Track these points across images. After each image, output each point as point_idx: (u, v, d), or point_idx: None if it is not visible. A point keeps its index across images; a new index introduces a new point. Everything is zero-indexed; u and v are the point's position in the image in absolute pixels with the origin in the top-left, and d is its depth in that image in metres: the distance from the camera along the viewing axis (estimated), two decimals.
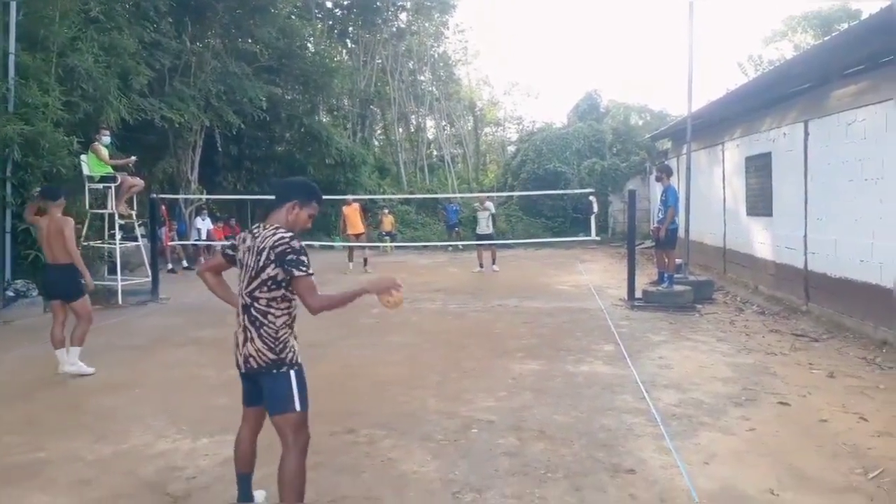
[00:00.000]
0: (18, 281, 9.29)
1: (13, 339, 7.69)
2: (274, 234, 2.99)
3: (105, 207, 10.60)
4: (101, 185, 10.45)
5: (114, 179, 10.40)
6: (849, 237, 7.78)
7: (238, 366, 3.09)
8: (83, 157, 10.29)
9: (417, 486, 3.69)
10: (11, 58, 9.60)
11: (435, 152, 33.28)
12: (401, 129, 31.42)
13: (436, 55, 32.62)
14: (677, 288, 9.63)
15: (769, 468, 3.89)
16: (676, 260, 10.32)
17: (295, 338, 3.12)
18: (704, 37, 47.83)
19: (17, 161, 9.43)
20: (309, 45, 22.49)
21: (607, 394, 5.43)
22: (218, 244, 16.64)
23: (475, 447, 4.29)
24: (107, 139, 10.48)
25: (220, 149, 18.59)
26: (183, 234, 16.19)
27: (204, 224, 16.58)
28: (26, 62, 9.91)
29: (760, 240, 10.72)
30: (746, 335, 7.64)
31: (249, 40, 18.56)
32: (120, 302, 10.10)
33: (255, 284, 3.00)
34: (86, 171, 10.29)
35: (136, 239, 11.35)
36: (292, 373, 3.04)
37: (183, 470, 3.95)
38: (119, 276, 10.33)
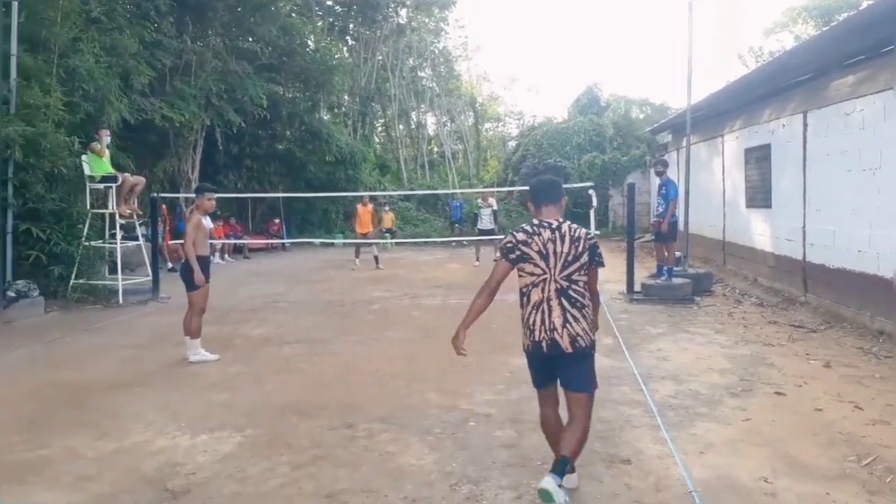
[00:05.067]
0: (20, 281, 9.32)
1: (15, 339, 7.74)
2: (579, 228, 3.42)
3: (106, 207, 10.65)
4: (101, 185, 10.49)
5: (114, 179, 10.45)
6: (847, 228, 7.79)
7: (544, 345, 3.30)
8: (84, 157, 10.34)
9: (415, 479, 3.73)
10: (13, 59, 9.64)
11: (436, 148, 33.31)
12: (401, 126, 31.44)
13: (436, 51, 32.65)
14: (676, 281, 9.65)
15: (764, 457, 3.92)
16: (676, 253, 10.34)
17: None
18: (705, 29, 47.68)
19: (18, 162, 9.48)
20: (309, 42, 22.49)
21: (605, 386, 5.42)
22: (219, 242, 16.72)
23: (473, 440, 4.33)
24: (107, 139, 10.53)
25: (220, 147, 18.60)
26: (182, 233, 16.26)
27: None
28: (28, 63, 9.95)
29: (759, 232, 10.73)
30: (744, 327, 7.66)
31: (250, 39, 18.60)
32: (121, 301, 10.15)
33: (572, 269, 3.32)
34: (87, 171, 10.34)
35: (136, 238, 11.39)
36: (595, 355, 3.42)
37: (183, 466, 3.99)
38: (120, 276, 10.38)
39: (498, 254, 3.50)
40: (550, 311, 3.31)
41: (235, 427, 4.63)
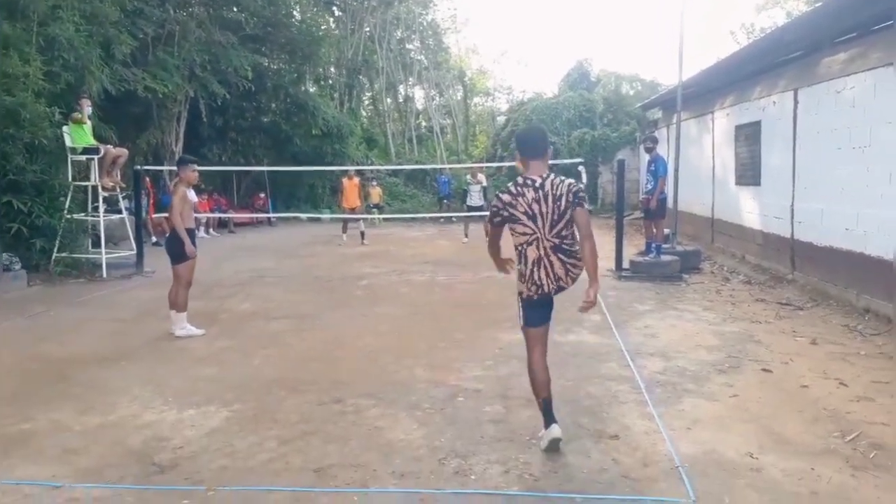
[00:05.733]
0: (1, 254, 9.18)
1: None
2: (563, 181, 3.63)
3: (88, 179, 10.47)
4: (83, 157, 10.30)
5: (96, 151, 10.26)
6: (835, 206, 7.82)
7: (553, 293, 3.68)
8: (65, 128, 10.14)
9: (404, 454, 3.72)
10: None
11: (424, 123, 33.00)
12: (389, 100, 31.10)
13: (424, 23, 32.15)
14: (664, 258, 9.67)
15: (750, 433, 3.95)
16: (665, 230, 10.35)
17: None
18: (697, 4, 47.36)
19: None
20: (295, 13, 22.09)
21: (593, 362, 5.48)
22: (203, 216, 16.53)
23: (462, 415, 4.33)
24: (88, 109, 10.32)
25: (204, 120, 18.34)
26: (166, 206, 16.07)
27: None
28: (6, 31, 9.70)
29: (748, 209, 10.76)
30: (732, 304, 7.70)
31: (234, 9, 18.22)
32: (105, 275, 10.03)
33: (560, 226, 3.59)
34: (68, 142, 10.14)
35: (120, 212, 11.24)
36: None
37: (169, 440, 3.96)
38: (103, 249, 10.25)
39: (487, 218, 3.83)
40: (552, 265, 3.61)
41: (222, 402, 4.60)
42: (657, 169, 9.93)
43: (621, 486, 3.32)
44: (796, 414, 4.25)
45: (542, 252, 3.59)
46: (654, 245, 9.88)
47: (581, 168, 13.40)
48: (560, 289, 3.68)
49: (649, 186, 10.11)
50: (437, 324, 6.86)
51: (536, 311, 3.75)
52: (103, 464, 3.65)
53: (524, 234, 3.62)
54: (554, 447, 3.63)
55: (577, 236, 3.67)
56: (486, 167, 22.26)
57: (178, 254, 6.50)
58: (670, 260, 9.63)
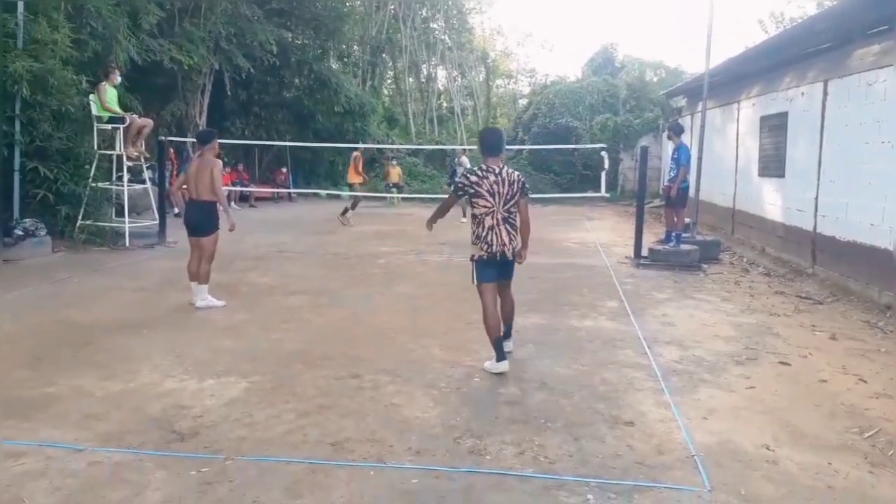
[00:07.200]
0: (27, 220, 9.31)
1: (22, 278, 7.76)
2: (513, 172, 4.84)
3: (113, 149, 10.56)
4: (109, 126, 10.38)
5: (122, 120, 10.33)
6: (860, 200, 7.70)
7: (498, 255, 4.73)
8: (91, 96, 10.21)
9: (420, 431, 3.76)
10: None
11: (445, 104, 32.83)
12: (411, 79, 30.94)
13: (449, 2, 31.86)
14: (684, 247, 9.60)
15: (766, 425, 3.94)
16: (685, 219, 10.26)
17: None
18: None
19: (25, 99, 9.36)
20: None
21: (609, 348, 5.47)
22: (226, 189, 16.59)
23: (477, 395, 4.36)
24: (119, 80, 10.38)
25: (228, 93, 18.40)
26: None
27: None
28: None
29: (771, 201, 10.63)
30: (751, 296, 7.64)
31: None
32: (127, 244, 10.15)
33: (510, 204, 4.75)
34: (94, 111, 10.21)
35: (143, 182, 11.33)
36: None
37: (190, 409, 4.02)
38: (126, 219, 10.36)
39: (452, 188, 4.90)
40: (500, 232, 4.73)
41: (241, 373, 4.66)
42: (680, 157, 9.83)
43: (636, 473, 3.32)
44: (814, 408, 4.23)
45: (494, 222, 4.70)
46: (673, 234, 9.80)
47: (603, 153, 13.27)
48: (503, 254, 4.72)
49: (671, 174, 10.02)
50: (454, 305, 6.87)
51: (487, 270, 4.80)
52: (124, 429, 3.72)
53: (485, 206, 4.70)
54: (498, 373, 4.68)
55: (520, 217, 4.85)
56: (507, 150, 22.05)
57: (211, 225, 6.57)
58: (689, 249, 9.55)
